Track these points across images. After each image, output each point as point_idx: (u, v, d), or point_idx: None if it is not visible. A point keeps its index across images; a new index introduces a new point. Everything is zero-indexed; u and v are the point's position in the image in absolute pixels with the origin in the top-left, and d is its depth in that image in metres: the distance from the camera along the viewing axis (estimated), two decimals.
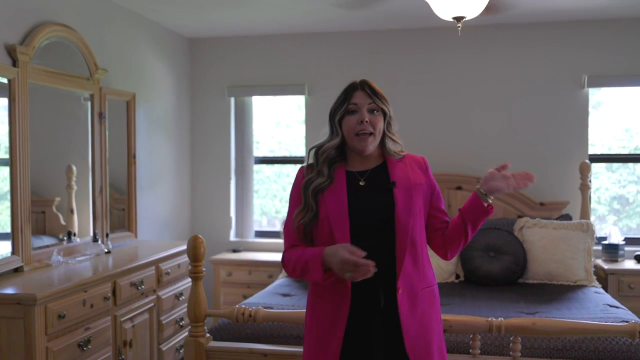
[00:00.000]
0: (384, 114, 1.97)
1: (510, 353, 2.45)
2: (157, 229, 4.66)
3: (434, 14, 3.09)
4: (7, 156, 3.03)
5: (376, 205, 1.90)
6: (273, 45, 5.04)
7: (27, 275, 3.02)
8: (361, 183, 1.95)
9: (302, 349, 2.16)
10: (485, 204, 1.91)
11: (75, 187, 3.67)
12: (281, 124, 5.35)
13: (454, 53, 4.74)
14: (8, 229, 3.04)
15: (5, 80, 2.99)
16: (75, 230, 3.66)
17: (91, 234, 3.73)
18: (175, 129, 4.95)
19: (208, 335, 2.75)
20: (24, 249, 3.10)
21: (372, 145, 1.94)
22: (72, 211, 3.66)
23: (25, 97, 3.11)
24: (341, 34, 4.92)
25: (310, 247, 1.93)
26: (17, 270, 3.05)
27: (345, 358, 1.87)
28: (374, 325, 1.87)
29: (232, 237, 5.21)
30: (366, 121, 1.92)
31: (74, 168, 3.66)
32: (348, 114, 1.95)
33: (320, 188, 1.93)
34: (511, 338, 2.46)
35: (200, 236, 2.70)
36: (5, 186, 3.04)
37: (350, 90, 1.97)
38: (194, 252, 2.67)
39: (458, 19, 2.80)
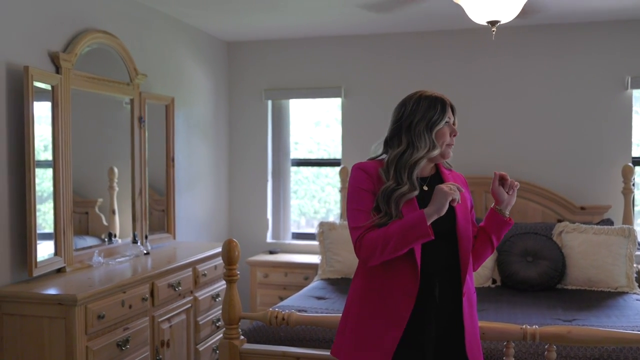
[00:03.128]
0: None
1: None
2: (195, 230, 4.74)
3: (466, 15, 3.06)
4: (50, 159, 3.13)
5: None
6: (309, 48, 5.07)
7: (69, 275, 3.11)
8: (425, 188, 2.02)
9: None
10: (505, 217, 2.02)
11: (116, 189, 3.77)
12: (320, 125, 5.36)
13: (489, 55, 4.68)
14: (51, 230, 3.14)
15: (49, 87, 3.09)
16: (117, 231, 3.76)
17: (131, 234, 3.82)
18: (213, 131, 5.02)
19: (242, 337, 2.79)
20: (66, 250, 3.20)
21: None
22: (113, 212, 3.76)
23: (68, 102, 3.20)
24: (375, 36, 4.91)
25: (397, 222, 1.92)
26: (59, 270, 3.15)
27: (403, 347, 1.93)
28: (433, 322, 1.97)
29: (269, 238, 5.26)
30: (457, 133, 2.07)
31: (116, 170, 3.75)
32: (445, 125, 2.04)
33: (401, 196, 1.95)
34: (546, 346, 2.42)
35: (235, 239, 2.73)
36: (50, 188, 3.14)
37: (444, 105, 2.06)
38: (229, 255, 2.70)
39: (492, 23, 2.77)
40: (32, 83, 2.92)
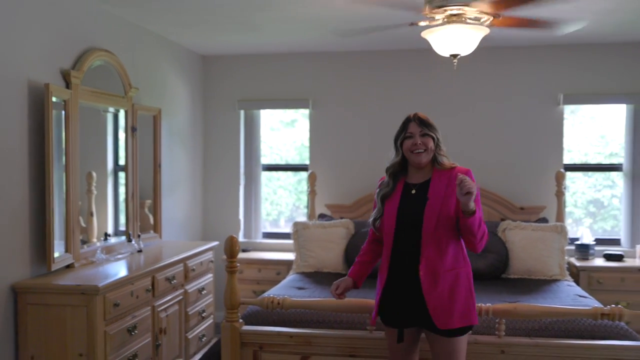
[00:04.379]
0: (433, 138, 2.63)
1: (496, 333, 2.97)
2: (175, 230, 5.12)
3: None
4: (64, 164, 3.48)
5: (414, 210, 2.58)
6: (280, 62, 5.54)
7: (78, 270, 3.46)
8: (412, 192, 2.63)
9: (322, 331, 3.12)
10: (463, 214, 2.52)
11: (95, 192, 4.01)
12: (288, 134, 5.85)
13: (445, 73, 5.22)
14: (61, 230, 3.48)
15: (61, 101, 3.44)
16: (95, 232, 3.98)
17: (105, 234, 4.05)
18: (190, 139, 5.42)
19: (241, 320, 3.23)
20: (75, 248, 3.55)
21: (425, 159, 2.64)
22: (91, 214, 3.99)
23: (76, 114, 3.56)
24: (341, 53, 5.43)
25: (357, 262, 2.91)
26: (68, 266, 3.50)
27: (383, 309, 2.69)
28: (405, 292, 2.61)
29: (241, 238, 5.69)
30: (419, 143, 2.61)
31: (94, 174, 3.98)
32: (406, 139, 2.65)
33: (385, 196, 2.69)
34: (497, 320, 2.98)
35: (235, 236, 3.16)
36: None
37: (407, 122, 2.67)
38: (231, 249, 3.13)
39: (454, 55, 3.33)
40: (51, 98, 3.28)
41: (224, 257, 5.13)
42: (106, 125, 4.24)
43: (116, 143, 4.34)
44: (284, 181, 5.86)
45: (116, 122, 4.30)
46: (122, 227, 4.28)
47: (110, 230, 4.13)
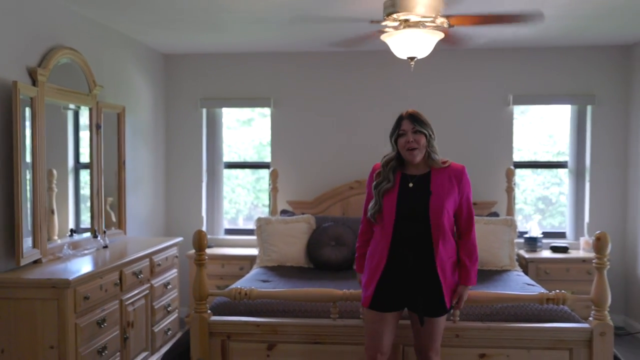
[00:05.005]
0: (425, 134, 2.78)
1: (452, 318, 3.18)
2: (139, 226, 5.18)
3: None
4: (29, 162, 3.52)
5: (416, 204, 2.80)
6: (242, 61, 5.65)
7: (46, 266, 3.50)
8: (410, 185, 2.79)
9: (288, 320, 3.25)
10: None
11: (55, 190, 4.00)
12: (246, 133, 5.96)
13: (404, 74, 5.40)
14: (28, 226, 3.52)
15: (27, 98, 3.48)
16: (56, 230, 3.99)
17: (71, 230, 4.11)
18: (152, 137, 5.48)
19: (209, 311, 3.35)
20: (42, 243, 3.60)
21: (418, 156, 2.81)
22: (52, 212, 3.98)
23: (43, 112, 3.61)
24: (304, 53, 5.57)
25: (363, 258, 2.97)
26: (35, 262, 3.54)
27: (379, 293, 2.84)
28: (405, 277, 2.81)
29: None
30: (411, 140, 2.76)
31: (55, 172, 3.96)
32: (400, 136, 2.81)
33: (386, 190, 2.82)
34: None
35: (207, 228, 3.28)
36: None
37: (400, 120, 2.82)
38: (199, 243, 3.25)
39: (411, 58, 3.52)
40: (19, 96, 3.32)
41: (189, 253, 5.26)
42: (67, 123, 4.27)
43: (77, 141, 4.37)
44: (243, 180, 5.98)
45: (77, 120, 4.33)
46: (84, 225, 4.32)
47: (72, 227, 4.16)
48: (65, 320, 3.13)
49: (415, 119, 2.80)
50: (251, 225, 5.73)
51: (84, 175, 4.35)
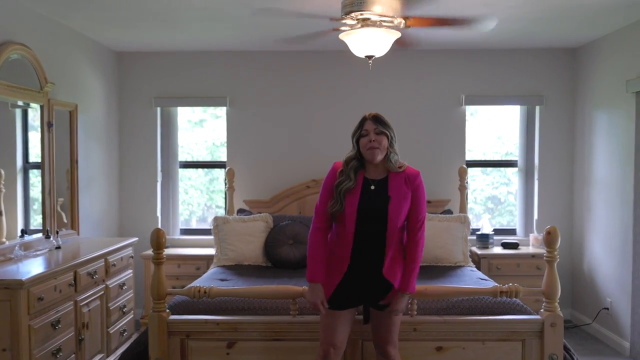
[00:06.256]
0: (387, 136, 2.82)
1: (409, 312, 3.25)
2: (92, 227, 5.08)
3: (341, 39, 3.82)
4: None
5: (376, 206, 2.84)
6: (198, 60, 5.61)
7: None
8: (372, 187, 2.84)
9: (247, 317, 3.25)
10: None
11: (3, 190, 3.84)
12: (198, 134, 5.92)
13: (360, 74, 5.49)
14: None
15: None
16: (4, 231, 3.83)
17: (22, 231, 4.01)
18: (105, 136, 5.38)
19: (168, 310, 3.31)
20: None
21: (379, 156, 2.84)
22: (0, 213, 3.81)
23: None
24: (261, 52, 5.57)
25: (318, 260, 2.88)
26: None
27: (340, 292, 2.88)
28: (366, 276, 2.87)
29: None
30: (373, 140, 2.81)
31: (2, 172, 3.79)
32: (362, 136, 2.85)
33: (347, 190, 2.84)
34: (409, 300, 3.25)
35: (162, 228, 3.25)
36: None
37: (363, 121, 2.88)
38: (157, 241, 3.21)
39: (369, 57, 3.58)
40: None
41: (144, 253, 5.19)
42: (15, 121, 4.15)
43: (26, 140, 4.24)
44: (196, 181, 5.93)
45: (25, 118, 4.22)
46: (34, 226, 4.21)
47: (22, 228, 4.05)
48: (19, 322, 3.04)
49: (378, 121, 2.85)
50: (206, 227, 5.70)
51: (34, 175, 4.24)
